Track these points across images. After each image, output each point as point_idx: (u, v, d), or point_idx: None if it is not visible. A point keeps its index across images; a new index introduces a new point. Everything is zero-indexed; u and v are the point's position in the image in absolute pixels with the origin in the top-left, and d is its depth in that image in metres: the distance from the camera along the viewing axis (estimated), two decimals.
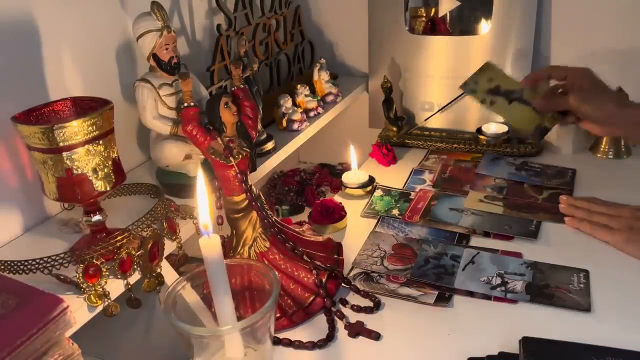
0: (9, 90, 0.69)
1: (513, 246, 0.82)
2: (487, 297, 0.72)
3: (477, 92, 0.96)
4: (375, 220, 0.91)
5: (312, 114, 1.06)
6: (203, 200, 0.56)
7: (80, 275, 0.58)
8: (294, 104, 1.04)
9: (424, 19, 1.17)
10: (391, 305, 0.73)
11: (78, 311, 0.57)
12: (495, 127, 1.10)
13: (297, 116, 1.01)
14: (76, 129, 0.58)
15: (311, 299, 0.74)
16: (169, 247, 0.70)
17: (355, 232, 0.89)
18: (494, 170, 1.02)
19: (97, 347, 0.68)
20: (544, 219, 0.87)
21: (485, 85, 0.96)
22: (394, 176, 1.04)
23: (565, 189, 0.95)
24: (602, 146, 1.05)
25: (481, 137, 1.10)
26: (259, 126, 0.90)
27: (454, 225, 0.88)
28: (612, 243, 0.80)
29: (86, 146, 0.60)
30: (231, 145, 0.71)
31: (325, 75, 1.13)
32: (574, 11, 1.06)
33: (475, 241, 0.84)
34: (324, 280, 0.75)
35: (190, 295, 0.61)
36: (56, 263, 0.59)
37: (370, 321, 0.70)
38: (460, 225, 0.87)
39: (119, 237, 0.62)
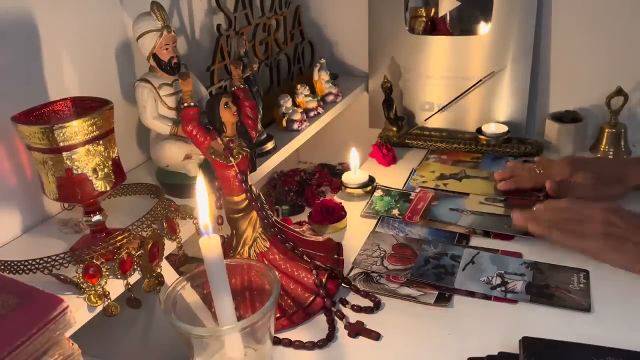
0: (9, 90, 0.69)
1: (513, 246, 0.82)
2: (487, 297, 0.72)
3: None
4: (375, 220, 0.91)
5: (312, 114, 1.06)
6: (203, 201, 0.56)
7: (80, 275, 0.58)
8: (294, 104, 1.04)
9: (424, 19, 1.17)
10: (391, 305, 0.73)
11: (78, 311, 0.57)
12: (495, 127, 1.10)
13: (297, 116, 1.01)
14: (76, 129, 0.58)
15: (311, 299, 0.74)
16: (169, 247, 0.69)
17: (355, 232, 0.89)
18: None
19: (97, 347, 0.68)
20: None
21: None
22: (394, 176, 1.04)
23: None
24: (602, 146, 1.05)
25: (481, 137, 1.10)
26: (259, 126, 0.90)
27: (453, 224, 0.88)
28: (589, 252, 0.75)
29: (86, 146, 0.60)
30: (231, 145, 0.71)
31: (325, 75, 1.13)
32: (574, 11, 1.06)
33: (475, 241, 0.84)
34: (324, 280, 0.75)
35: (190, 295, 0.61)
36: (56, 263, 0.59)
37: (370, 321, 0.70)
38: (459, 225, 0.87)
39: (119, 237, 0.62)
